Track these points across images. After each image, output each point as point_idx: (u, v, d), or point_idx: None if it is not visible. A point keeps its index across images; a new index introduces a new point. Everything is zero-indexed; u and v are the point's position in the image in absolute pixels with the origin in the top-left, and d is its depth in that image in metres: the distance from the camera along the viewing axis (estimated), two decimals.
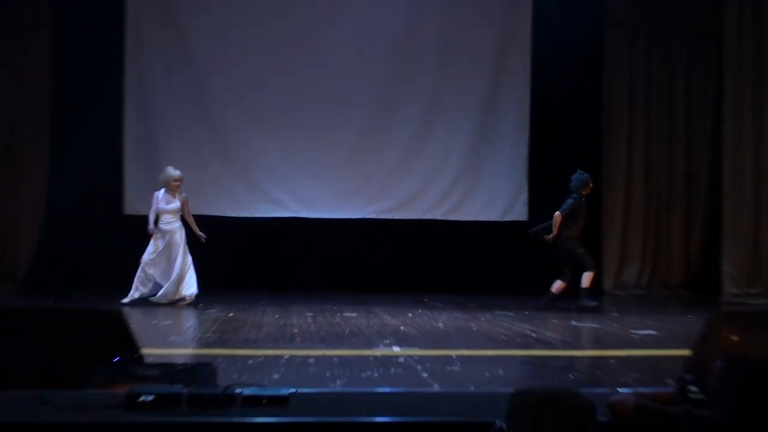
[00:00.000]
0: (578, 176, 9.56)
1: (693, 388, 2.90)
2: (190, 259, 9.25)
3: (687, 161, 11.63)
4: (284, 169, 11.15)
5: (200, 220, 10.90)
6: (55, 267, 10.57)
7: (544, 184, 11.48)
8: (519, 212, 11.45)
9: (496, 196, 11.45)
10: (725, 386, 2.52)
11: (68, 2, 10.79)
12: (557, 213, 9.30)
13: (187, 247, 9.27)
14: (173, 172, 9.32)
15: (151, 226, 9.24)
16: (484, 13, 11.38)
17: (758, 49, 10.28)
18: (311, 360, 5.60)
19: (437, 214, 11.32)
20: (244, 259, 11.06)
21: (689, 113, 11.64)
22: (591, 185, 9.63)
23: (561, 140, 11.50)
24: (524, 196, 11.46)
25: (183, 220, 9.39)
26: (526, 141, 11.48)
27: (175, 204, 9.27)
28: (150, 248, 9.23)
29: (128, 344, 4.24)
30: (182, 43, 11.09)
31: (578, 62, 11.40)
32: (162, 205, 9.24)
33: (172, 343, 6.30)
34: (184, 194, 9.36)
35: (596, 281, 11.48)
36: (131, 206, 10.93)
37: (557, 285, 9.30)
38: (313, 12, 11.15)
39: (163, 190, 9.32)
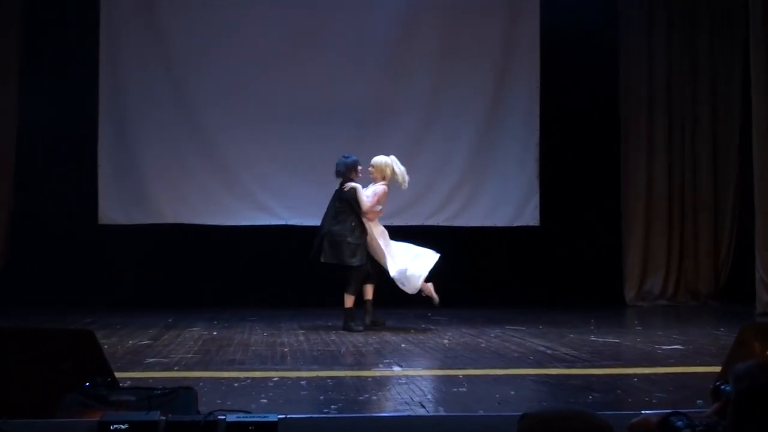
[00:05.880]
0: None
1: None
2: None
3: (713, 159, 11.62)
4: (273, 174, 11.17)
5: (183, 229, 10.95)
6: (21, 283, 10.55)
7: (557, 185, 11.50)
8: (530, 217, 11.46)
9: (503, 199, 11.45)
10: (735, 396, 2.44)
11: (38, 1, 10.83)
12: None
13: None
14: None
15: None
16: (486, 2, 11.39)
17: None
18: (303, 382, 5.56)
19: (439, 220, 11.34)
20: (230, 271, 11.07)
21: (715, 105, 11.64)
22: None
23: (575, 137, 11.52)
24: (535, 200, 11.46)
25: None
26: (536, 139, 11.49)
27: None
28: None
29: (100, 367, 4.21)
30: (160, 40, 11.11)
31: (591, 50, 11.43)
32: None
33: (148, 365, 6.26)
34: None
35: (617, 291, 11.53)
36: (106, 216, 10.93)
37: None
38: (305, 9, 11.18)
39: None
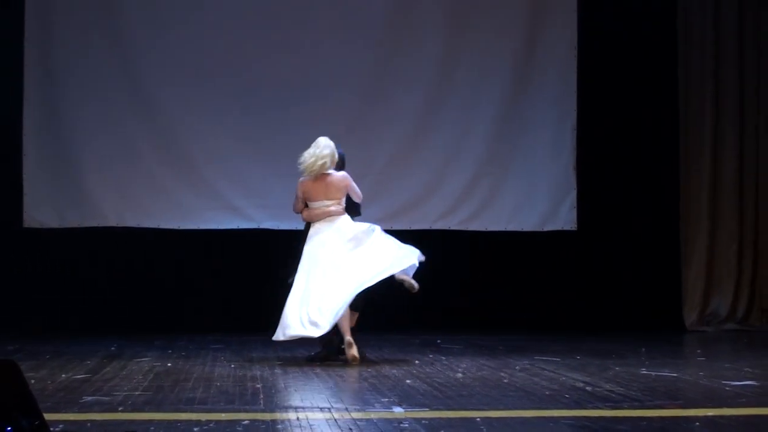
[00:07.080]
0: None
1: None
2: None
3: None
4: (243, 167, 11.25)
5: (130, 234, 10.93)
6: None
7: (599, 180, 11.50)
8: (565, 220, 11.51)
9: (532, 198, 11.54)
10: None
11: None
12: None
13: None
14: None
15: None
16: None
17: None
18: (279, 426, 5.56)
19: (451, 224, 11.39)
20: (189, 287, 11.07)
21: None
22: None
23: (622, 120, 11.52)
24: (572, 198, 11.52)
25: None
26: (573, 122, 11.53)
27: None
28: None
29: (25, 406, 4.21)
30: (104, 4, 11.15)
31: (643, 7, 11.40)
32: None
33: (85, 404, 6.25)
34: None
35: (674, 312, 11.52)
36: (32, 218, 10.94)
37: None
38: None
39: None
